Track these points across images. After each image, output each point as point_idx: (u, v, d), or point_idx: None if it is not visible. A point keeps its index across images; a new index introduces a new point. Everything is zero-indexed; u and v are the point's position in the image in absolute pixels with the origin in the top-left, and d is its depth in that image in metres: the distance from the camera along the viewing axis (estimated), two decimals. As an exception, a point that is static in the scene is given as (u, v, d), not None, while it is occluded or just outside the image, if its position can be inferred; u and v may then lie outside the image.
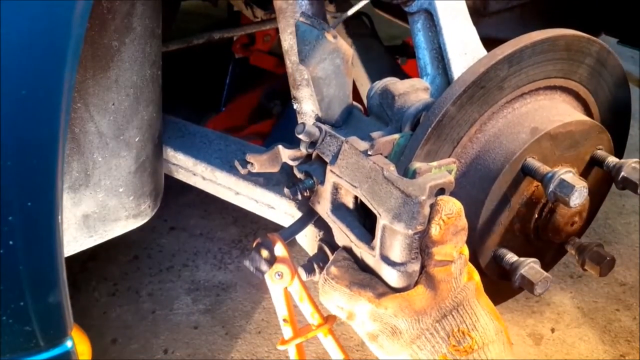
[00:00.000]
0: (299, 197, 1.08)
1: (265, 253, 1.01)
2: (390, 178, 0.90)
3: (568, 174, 1.15)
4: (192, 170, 1.44)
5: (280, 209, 1.35)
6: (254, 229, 2.42)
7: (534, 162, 1.17)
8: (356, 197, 1.01)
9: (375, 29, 2.15)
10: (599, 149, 1.29)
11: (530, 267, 1.19)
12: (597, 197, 1.43)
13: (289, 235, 1.10)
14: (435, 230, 0.87)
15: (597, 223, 2.40)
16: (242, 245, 2.35)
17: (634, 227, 2.44)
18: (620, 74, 1.37)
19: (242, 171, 1.15)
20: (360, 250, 0.96)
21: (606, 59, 1.32)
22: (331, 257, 1.03)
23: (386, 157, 0.98)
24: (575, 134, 1.24)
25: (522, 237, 1.27)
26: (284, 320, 1.08)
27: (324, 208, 1.05)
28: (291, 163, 1.12)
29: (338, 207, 1.03)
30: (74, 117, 1.08)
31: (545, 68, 1.22)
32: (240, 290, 2.17)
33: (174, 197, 2.47)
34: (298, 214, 1.25)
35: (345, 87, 1.10)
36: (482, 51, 1.21)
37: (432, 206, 0.87)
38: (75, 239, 1.23)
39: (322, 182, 1.05)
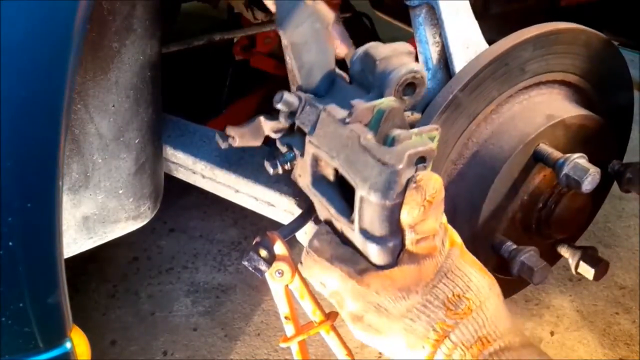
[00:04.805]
0: (279, 170, 1.05)
1: (263, 252, 1.00)
2: (366, 146, 0.85)
3: (582, 159, 1.15)
4: (191, 169, 1.44)
5: (280, 207, 1.35)
6: (253, 231, 2.42)
7: (547, 147, 1.18)
8: (336, 169, 0.96)
9: (375, 30, 2.15)
10: (604, 149, 1.30)
11: (530, 254, 1.19)
12: (596, 200, 1.44)
13: (288, 232, 1.09)
14: (420, 212, 0.83)
15: (597, 226, 2.40)
16: (241, 247, 2.35)
17: (634, 231, 2.44)
18: (627, 77, 1.39)
19: (223, 145, 1.10)
20: (341, 224, 0.93)
21: (619, 62, 1.34)
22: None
23: (366, 125, 0.92)
24: (587, 129, 1.25)
25: (522, 229, 1.27)
26: (286, 317, 1.08)
27: (305, 181, 1.02)
28: (273, 135, 1.08)
29: (318, 180, 0.98)
30: (74, 118, 1.08)
31: (564, 60, 1.24)
32: (240, 292, 2.16)
33: (174, 199, 2.47)
34: (298, 211, 1.25)
35: (326, 53, 1.05)
36: (484, 45, 1.21)
37: (411, 183, 0.83)
38: (74, 240, 1.23)
39: (303, 154, 1.01)
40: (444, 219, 0.90)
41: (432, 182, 0.83)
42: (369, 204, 0.85)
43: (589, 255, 1.30)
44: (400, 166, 0.82)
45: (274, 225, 1.38)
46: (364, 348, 1.91)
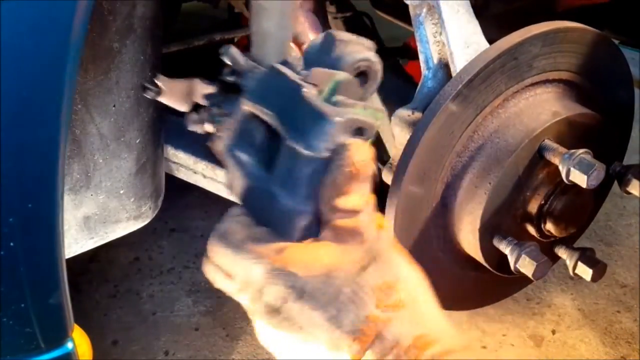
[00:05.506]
0: (202, 127, 0.98)
1: None
2: (308, 97, 0.79)
3: (588, 154, 1.16)
4: (192, 169, 1.45)
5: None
6: (254, 231, 2.42)
7: (552, 143, 1.19)
8: (265, 132, 0.87)
9: (376, 29, 2.15)
10: (606, 149, 1.30)
11: (531, 249, 1.19)
12: (597, 198, 1.44)
13: None
14: (344, 178, 0.75)
15: (598, 224, 2.40)
16: (242, 247, 2.35)
17: (635, 229, 2.44)
18: (629, 79, 1.39)
19: (148, 94, 1.03)
20: (256, 187, 0.84)
21: (621, 63, 1.34)
22: None
23: (319, 92, 0.84)
24: (590, 128, 1.25)
25: (522, 226, 1.27)
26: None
27: (226, 143, 0.92)
28: (203, 102, 1.01)
29: (242, 141, 0.89)
30: (74, 118, 1.08)
31: (570, 59, 1.25)
32: (241, 291, 2.16)
33: (175, 198, 2.47)
34: None
35: (284, 30, 1.00)
36: (485, 45, 1.22)
37: (341, 149, 0.76)
38: (75, 240, 1.23)
39: (231, 113, 0.92)
40: (373, 199, 0.80)
41: (363, 151, 0.75)
42: (295, 157, 0.78)
43: (587, 257, 1.30)
44: (340, 119, 0.76)
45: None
46: (366, 347, 1.91)
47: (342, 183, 0.75)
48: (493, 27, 1.28)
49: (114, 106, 1.13)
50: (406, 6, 1.25)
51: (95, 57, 1.06)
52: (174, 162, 1.47)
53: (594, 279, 1.29)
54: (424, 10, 1.22)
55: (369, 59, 0.92)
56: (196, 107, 1.03)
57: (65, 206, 1.13)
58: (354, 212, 0.76)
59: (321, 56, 0.93)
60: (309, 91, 0.80)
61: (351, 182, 0.75)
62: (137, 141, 1.21)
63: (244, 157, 0.86)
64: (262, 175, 0.83)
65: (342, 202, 0.75)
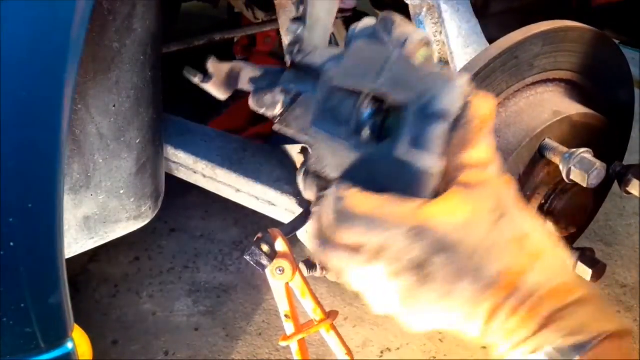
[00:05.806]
0: (277, 109, 0.93)
1: (265, 247, 1.00)
2: (420, 67, 0.79)
3: (588, 153, 1.16)
4: (192, 169, 1.45)
5: (281, 206, 1.35)
6: (254, 230, 2.42)
7: (552, 142, 1.19)
8: (354, 104, 0.84)
9: (375, 30, 2.14)
10: (607, 149, 1.30)
11: None
12: (597, 198, 1.44)
13: (290, 230, 1.08)
14: (471, 132, 0.75)
15: (598, 224, 2.40)
16: (243, 247, 2.35)
17: (635, 229, 2.44)
18: (629, 79, 1.39)
19: (194, 79, 0.95)
20: (366, 158, 0.82)
21: (622, 63, 1.34)
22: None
23: None
24: (592, 128, 1.25)
25: None
26: (286, 315, 1.08)
27: (304, 123, 0.90)
28: (248, 87, 0.97)
29: (328, 117, 0.86)
30: (74, 118, 1.08)
31: (571, 59, 1.24)
32: (241, 292, 2.16)
33: (175, 198, 2.47)
34: (299, 210, 1.25)
35: (331, 15, 1.03)
36: (485, 44, 1.22)
37: (466, 106, 0.77)
38: (76, 240, 1.23)
39: (308, 92, 0.91)
40: (497, 153, 0.81)
41: (486, 104, 0.76)
42: (424, 120, 0.76)
43: (587, 257, 1.30)
44: (463, 80, 0.76)
45: (275, 224, 1.38)
46: (365, 347, 1.91)
47: (469, 138, 0.75)
48: (493, 27, 1.28)
49: (114, 106, 1.13)
50: (406, 6, 1.25)
51: (96, 57, 1.06)
52: (174, 162, 1.47)
53: (594, 279, 1.29)
54: (424, 9, 1.22)
55: (427, 37, 0.91)
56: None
57: (65, 206, 1.13)
58: (482, 165, 0.76)
59: (378, 38, 0.90)
60: (418, 63, 0.81)
61: (478, 135, 0.75)
62: (137, 141, 1.21)
63: (341, 130, 0.83)
64: (370, 144, 0.81)
65: (470, 155, 0.75)
